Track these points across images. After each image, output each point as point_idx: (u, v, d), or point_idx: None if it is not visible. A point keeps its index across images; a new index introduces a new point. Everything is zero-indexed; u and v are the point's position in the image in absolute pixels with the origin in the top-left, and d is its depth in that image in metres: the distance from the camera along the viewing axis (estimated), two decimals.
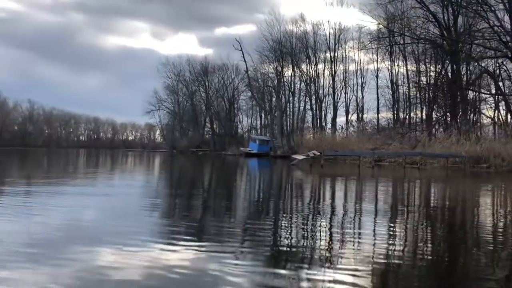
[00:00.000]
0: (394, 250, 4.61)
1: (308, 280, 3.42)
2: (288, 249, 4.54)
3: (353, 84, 55.19)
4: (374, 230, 5.68)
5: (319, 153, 26.15)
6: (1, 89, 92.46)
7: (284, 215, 7.19)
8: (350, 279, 3.41)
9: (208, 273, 3.49)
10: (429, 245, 5.07)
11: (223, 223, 6.06)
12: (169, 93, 79.32)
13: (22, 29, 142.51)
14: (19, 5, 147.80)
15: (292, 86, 58.58)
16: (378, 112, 51.83)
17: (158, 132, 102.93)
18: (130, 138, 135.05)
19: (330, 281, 3.37)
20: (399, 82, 48.91)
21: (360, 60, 54.54)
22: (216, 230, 5.40)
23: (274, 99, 60.73)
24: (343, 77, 55.36)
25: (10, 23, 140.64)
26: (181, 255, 4.08)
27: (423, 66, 43.11)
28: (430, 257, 4.45)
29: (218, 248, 4.38)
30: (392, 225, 6.25)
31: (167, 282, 3.30)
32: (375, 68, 52.58)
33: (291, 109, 59.14)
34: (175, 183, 14.65)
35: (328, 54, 55.37)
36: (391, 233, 5.58)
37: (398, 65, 48.34)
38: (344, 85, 55.49)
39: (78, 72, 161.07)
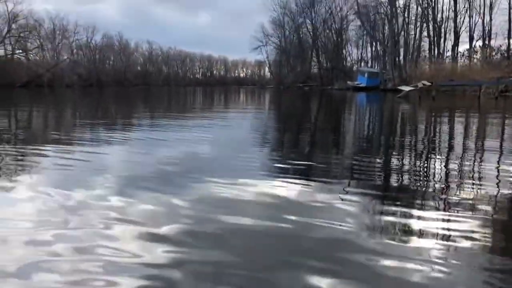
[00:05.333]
0: None
1: (419, 218, 3.12)
2: (398, 187, 4.17)
3: (479, 5, 48.43)
4: (497, 176, 4.58)
5: (430, 84, 23.52)
6: (123, 32, 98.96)
7: (387, 153, 6.40)
8: (465, 224, 2.99)
9: (318, 205, 3.43)
10: None
11: (329, 159, 5.72)
12: (275, 27, 77.88)
13: None
14: None
15: (407, 11, 53.35)
16: (509, 37, 45.09)
17: (267, 68, 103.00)
18: (242, 75, 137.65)
19: (443, 220, 3.07)
20: None
21: None
22: (324, 165, 5.15)
23: (386, 27, 56.19)
24: None
25: None
26: (289, 188, 4.00)
27: None
28: None
29: (326, 182, 4.24)
30: None
31: (277, 211, 3.28)
32: None
33: (405, 38, 54.23)
34: (283, 119, 14.37)
35: None
36: None
37: None
38: (469, 6, 48.94)
39: (190, 12, 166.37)
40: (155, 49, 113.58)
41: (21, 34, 59.10)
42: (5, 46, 58.27)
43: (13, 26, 57.53)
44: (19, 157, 5.65)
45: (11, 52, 59.11)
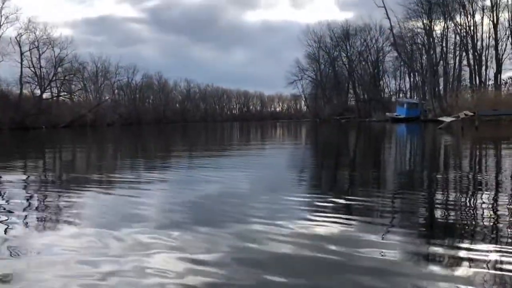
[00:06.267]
0: None
1: (469, 254, 2.91)
2: (443, 222, 3.93)
3: None
4: None
5: (472, 114, 22.60)
6: (162, 71, 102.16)
7: (431, 189, 5.93)
8: None
9: (359, 244, 3.21)
10: None
11: (371, 195, 5.42)
12: (311, 62, 78.47)
13: (174, 15, 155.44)
14: None
15: (444, 41, 52.32)
16: None
17: (303, 102, 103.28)
18: (278, 109, 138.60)
19: (490, 257, 2.85)
20: None
21: None
22: (364, 202, 4.87)
23: (424, 57, 55.29)
24: (509, 24, 47.36)
25: (164, 11, 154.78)
26: (329, 226, 3.81)
27: None
28: None
29: (367, 220, 3.99)
30: None
31: (317, 251, 3.09)
32: None
33: (444, 67, 53.00)
34: (320, 153, 14.23)
35: (488, 0, 47.79)
36: None
37: None
38: (510, 33, 47.47)
39: (226, 50, 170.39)
40: (193, 86, 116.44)
41: (66, 77, 61.98)
42: (51, 89, 61.20)
43: (59, 69, 60.51)
44: (64, 193, 5.86)
45: (56, 94, 61.95)
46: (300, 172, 8.33)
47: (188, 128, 48.10)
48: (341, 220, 3.96)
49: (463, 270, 2.64)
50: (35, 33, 56.45)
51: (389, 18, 52.90)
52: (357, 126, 40.48)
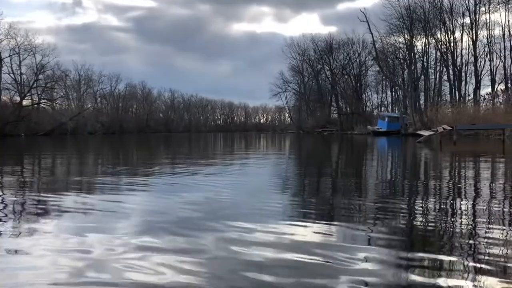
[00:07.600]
0: None
1: (448, 264, 2.97)
2: (424, 231, 4.01)
3: (499, 49, 48.03)
4: None
5: (450, 128, 22.92)
6: (147, 81, 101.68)
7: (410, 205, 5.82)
8: (498, 268, 2.88)
9: (340, 250, 3.28)
10: None
11: (351, 204, 5.51)
12: (295, 74, 79.11)
13: (159, 25, 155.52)
14: (155, 2, 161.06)
15: (425, 56, 53.29)
16: None
17: (287, 114, 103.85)
18: (262, 121, 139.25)
19: (473, 268, 2.87)
20: None
21: (509, 22, 46.94)
22: (346, 209, 5.09)
23: (405, 72, 56.16)
24: (487, 41, 48.48)
25: (149, 20, 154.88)
26: (312, 231, 3.93)
27: None
28: None
29: (349, 226, 4.12)
30: None
31: (300, 256, 3.15)
32: None
33: (425, 82, 53.91)
34: (303, 163, 14.37)
35: (467, 18, 48.86)
36: None
37: None
38: (489, 50, 48.56)
39: (210, 61, 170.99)
40: (177, 97, 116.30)
41: (48, 85, 61.12)
42: (32, 96, 60.26)
43: (40, 76, 59.68)
44: (41, 203, 5.65)
45: (37, 102, 61.00)
46: (284, 182, 8.26)
47: (171, 138, 47.77)
48: (322, 226, 4.05)
49: (443, 278, 2.69)
50: (16, 39, 55.71)
51: (371, 33, 53.70)
52: (340, 139, 40.74)
